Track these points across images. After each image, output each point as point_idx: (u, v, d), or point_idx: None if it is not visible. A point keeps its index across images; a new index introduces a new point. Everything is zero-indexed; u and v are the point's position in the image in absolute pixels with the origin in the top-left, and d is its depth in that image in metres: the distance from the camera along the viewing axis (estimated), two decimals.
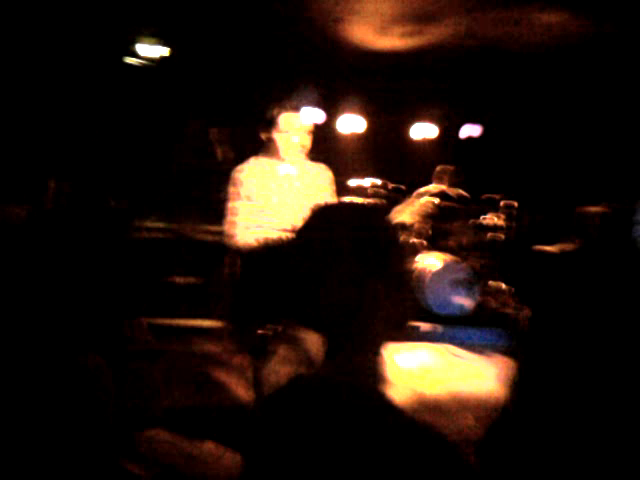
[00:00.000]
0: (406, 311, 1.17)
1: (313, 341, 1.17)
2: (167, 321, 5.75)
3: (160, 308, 5.67)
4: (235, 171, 3.37)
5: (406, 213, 5.88)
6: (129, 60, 5.80)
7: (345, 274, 1.07)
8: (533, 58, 5.48)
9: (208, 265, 5.95)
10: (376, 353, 1.13)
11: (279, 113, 3.23)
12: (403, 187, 7.44)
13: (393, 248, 1.15)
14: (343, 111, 7.11)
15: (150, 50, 5.80)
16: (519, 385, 1.00)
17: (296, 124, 3.25)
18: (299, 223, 3.65)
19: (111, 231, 5.58)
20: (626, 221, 5.41)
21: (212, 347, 5.60)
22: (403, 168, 7.57)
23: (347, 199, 3.62)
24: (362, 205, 1.23)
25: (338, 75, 5.55)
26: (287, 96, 3.34)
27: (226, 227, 3.36)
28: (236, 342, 5.73)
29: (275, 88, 4.35)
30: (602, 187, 7.52)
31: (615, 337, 0.87)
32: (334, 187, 3.54)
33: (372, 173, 6.76)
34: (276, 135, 3.25)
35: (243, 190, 3.30)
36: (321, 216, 1.16)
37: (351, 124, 7.30)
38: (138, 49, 5.89)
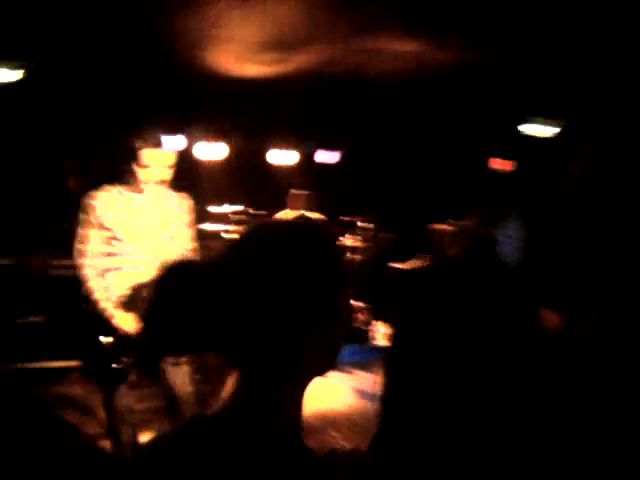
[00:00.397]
0: (338, 351, 1.10)
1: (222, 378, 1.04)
2: (21, 364, 5.33)
3: (11, 350, 5.25)
4: (87, 197, 3.25)
5: None
6: None
7: (285, 309, 0.97)
8: (389, 87, 5.71)
9: (60, 301, 5.59)
10: (298, 394, 1.04)
11: (141, 148, 3.17)
12: (264, 212, 7.43)
13: (342, 284, 1.06)
14: (206, 138, 6.96)
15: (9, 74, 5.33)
16: (384, 398, 0.97)
17: (157, 159, 3.20)
18: (156, 253, 3.57)
19: None
20: (482, 239, 5.77)
21: (67, 388, 5.29)
22: (265, 194, 7.57)
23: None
24: (311, 227, 1.09)
25: (201, 102, 5.44)
26: (148, 126, 3.22)
27: (76, 256, 3.24)
28: (92, 379, 5.45)
29: (136, 116, 4.17)
30: (449, 207, 7.99)
31: (473, 349, 0.88)
32: (193, 215, 3.51)
33: (234, 199, 6.68)
34: (137, 169, 3.20)
35: (95, 217, 3.20)
36: (261, 237, 1.03)
37: (214, 151, 7.17)
38: None
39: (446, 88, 5.86)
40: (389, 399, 0.97)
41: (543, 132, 7.84)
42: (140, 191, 3.28)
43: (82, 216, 3.23)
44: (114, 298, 3.23)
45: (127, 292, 3.25)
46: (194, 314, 0.95)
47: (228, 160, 7.44)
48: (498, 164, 8.51)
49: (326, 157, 8.21)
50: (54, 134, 5.96)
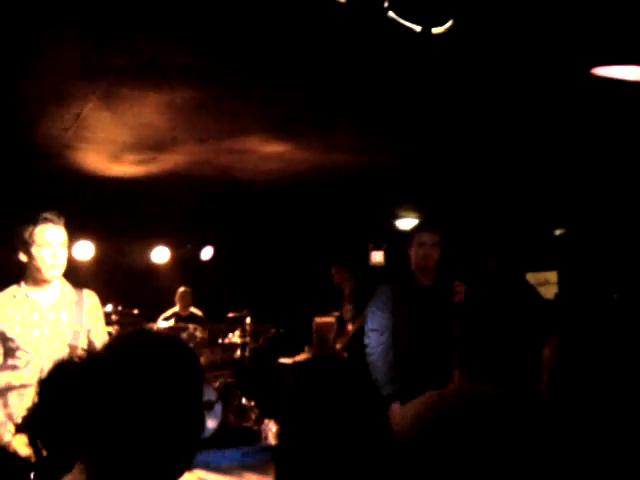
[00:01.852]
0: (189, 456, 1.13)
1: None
2: None
3: None
4: None
5: None
6: None
7: (153, 418, 1.01)
8: (262, 186, 5.92)
9: None
10: None
11: (34, 227, 2.98)
12: (136, 312, 7.32)
13: (201, 386, 1.12)
14: (78, 237, 6.86)
15: None
16: None
17: (53, 235, 3.01)
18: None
19: None
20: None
21: None
22: (147, 292, 7.47)
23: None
24: (171, 339, 1.17)
25: (72, 201, 5.40)
26: (29, 217, 3.07)
27: None
28: None
29: (11, 213, 4.05)
30: (330, 299, 8.18)
31: (355, 442, 0.98)
32: (102, 315, 3.31)
33: (113, 299, 6.53)
34: (34, 250, 2.97)
35: None
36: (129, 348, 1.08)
37: (86, 250, 7.06)
38: None
39: (312, 187, 6.15)
40: None
41: (410, 225, 8.36)
42: (44, 282, 3.03)
43: None
44: (17, 421, 2.84)
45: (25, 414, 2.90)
46: (72, 418, 0.97)
47: (105, 258, 7.35)
48: (373, 257, 8.90)
49: (204, 254, 8.30)
50: None
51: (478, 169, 5.70)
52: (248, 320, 7.64)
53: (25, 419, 2.76)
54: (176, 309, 7.45)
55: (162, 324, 7.16)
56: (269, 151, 4.80)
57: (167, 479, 1.06)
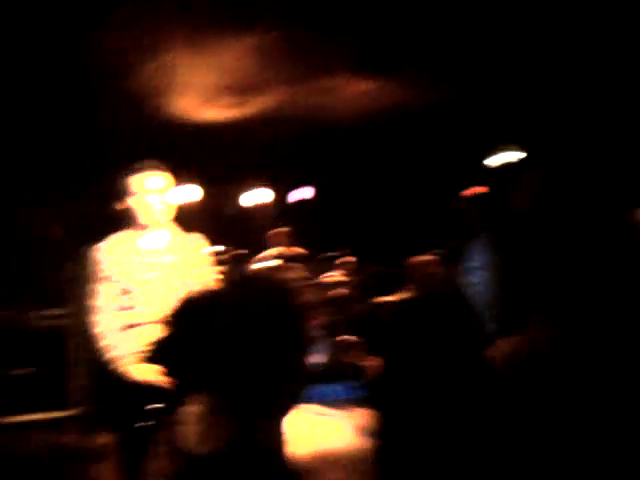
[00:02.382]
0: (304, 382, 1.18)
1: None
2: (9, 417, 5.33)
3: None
4: (92, 250, 3.06)
5: None
6: None
7: (269, 348, 1.08)
8: (352, 124, 5.84)
9: (44, 353, 5.59)
10: (279, 423, 1.13)
11: (135, 176, 3.02)
12: (245, 251, 7.53)
13: (305, 326, 1.19)
14: (182, 182, 7.09)
15: None
16: (381, 433, 1.07)
17: (150, 184, 3.04)
18: (172, 301, 3.25)
19: None
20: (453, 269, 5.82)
21: (62, 438, 5.26)
22: (243, 233, 7.64)
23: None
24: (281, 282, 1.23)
25: (169, 145, 5.54)
26: (124, 166, 3.16)
27: (87, 313, 3.03)
28: (108, 434, 5.40)
29: (108, 162, 4.20)
30: (428, 238, 8.08)
31: (457, 374, 0.98)
32: (211, 258, 3.32)
33: (213, 241, 6.73)
34: (132, 201, 3.03)
35: (102, 270, 3.00)
36: (246, 287, 1.17)
37: (189, 194, 7.30)
38: None
39: (411, 124, 6.00)
40: (385, 431, 1.07)
41: (505, 160, 8.02)
42: (145, 229, 3.07)
43: (90, 270, 3.03)
44: (132, 356, 2.97)
45: (146, 348, 2.98)
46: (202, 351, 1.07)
47: (202, 202, 7.56)
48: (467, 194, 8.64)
49: (301, 194, 8.35)
50: (31, 185, 6.03)
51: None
52: (351, 258, 7.69)
53: (148, 352, 2.92)
54: (278, 249, 7.55)
55: (264, 264, 7.33)
56: (358, 89, 4.72)
57: (280, 410, 1.16)
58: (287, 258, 7.38)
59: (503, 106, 5.49)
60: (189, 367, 1.11)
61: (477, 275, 3.51)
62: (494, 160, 8.03)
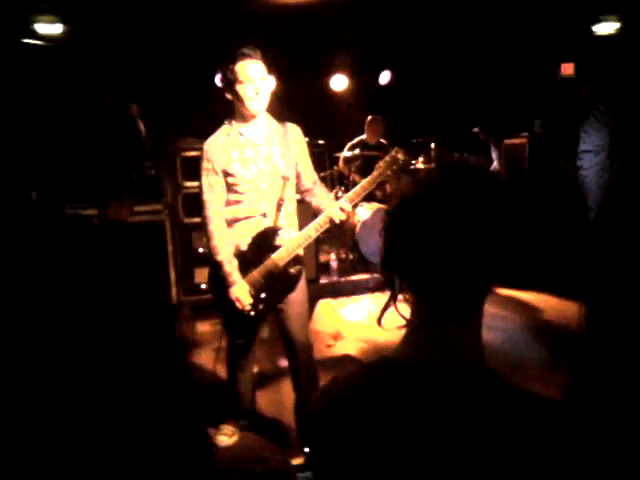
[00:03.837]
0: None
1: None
2: None
3: None
4: (205, 144, 3.11)
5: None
6: (29, 41, 5.40)
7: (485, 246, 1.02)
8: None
9: (144, 247, 5.77)
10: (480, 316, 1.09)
11: (235, 64, 2.98)
12: (322, 142, 7.43)
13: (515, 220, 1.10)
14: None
15: (51, 28, 5.42)
16: None
17: (252, 72, 2.99)
18: (281, 190, 3.28)
19: (36, 226, 5.25)
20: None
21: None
22: (322, 122, 7.52)
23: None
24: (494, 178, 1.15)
25: (253, 33, 5.38)
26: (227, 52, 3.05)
27: (203, 207, 3.11)
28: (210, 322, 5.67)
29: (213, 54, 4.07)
30: (520, 120, 7.75)
31: None
32: (307, 145, 3.36)
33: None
34: (239, 87, 2.99)
35: (216, 164, 3.06)
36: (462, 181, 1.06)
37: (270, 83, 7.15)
38: (37, 28, 5.49)
39: None
40: None
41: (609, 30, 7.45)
42: (251, 124, 3.10)
43: (203, 164, 3.09)
44: (243, 248, 3.12)
45: (252, 239, 3.12)
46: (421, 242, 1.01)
47: (283, 91, 7.42)
48: (564, 69, 8.16)
49: (382, 78, 8.08)
50: (119, 81, 6.01)
51: None
52: (432, 145, 7.50)
53: (250, 244, 3.09)
54: (363, 137, 7.43)
55: (348, 153, 7.25)
56: None
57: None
58: (372, 147, 7.27)
59: None
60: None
61: (587, 159, 3.33)
62: (601, 28, 7.50)
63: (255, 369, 3.68)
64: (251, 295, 3.09)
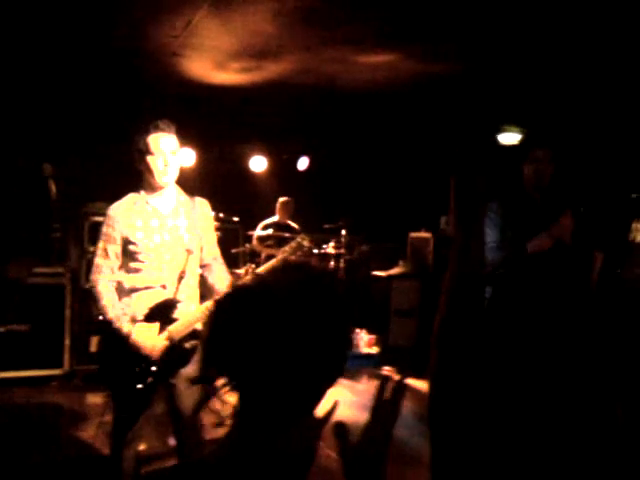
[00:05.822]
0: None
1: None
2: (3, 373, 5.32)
3: None
4: (110, 209, 3.11)
5: None
6: None
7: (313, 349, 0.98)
8: (365, 96, 5.81)
9: (41, 310, 5.56)
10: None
11: (147, 136, 3.04)
12: (236, 219, 7.49)
13: (349, 319, 1.09)
14: (181, 144, 7.01)
15: None
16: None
17: (165, 143, 3.06)
18: (184, 262, 3.25)
19: None
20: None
21: (50, 397, 5.27)
22: (238, 201, 7.59)
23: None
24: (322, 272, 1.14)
25: (175, 108, 5.48)
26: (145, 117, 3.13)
27: (92, 271, 3.08)
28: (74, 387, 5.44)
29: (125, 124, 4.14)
30: (427, 216, 8.13)
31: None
32: (213, 221, 3.43)
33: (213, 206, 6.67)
34: (149, 158, 3.04)
35: (117, 230, 3.05)
36: (289, 276, 1.04)
37: (188, 157, 7.23)
38: None
39: (418, 98, 5.98)
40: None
41: (513, 140, 8.02)
42: (159, 194, 3.13)
43: (104, 229, 3.08)
44: (139, 318, 3.06)
45: (149, 310, 3.08)
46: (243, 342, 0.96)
47: (204, 167, 7.50)
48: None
49: (301, 164, 8.32)
50: (33, 141, 5.93)
51: (589, 78, 5.37)
52: (343, 232, 7.71)
53: (147, 315, 3.04)
54: (275, 218, 7.58)
55: (260, 232, 7.34)
56: (376, 60, 4.67)
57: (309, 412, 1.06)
58: (283, 228, 7.40)
59: (514, 81, 5.47)
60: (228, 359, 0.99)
61: (494, 252, 3.52)
62: (503, 138, 8.04)
63: (142, 447, 3.55)
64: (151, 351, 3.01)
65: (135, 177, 3.21)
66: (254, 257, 7.45)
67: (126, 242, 3.07)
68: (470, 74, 5.19)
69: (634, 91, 5.54)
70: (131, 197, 3.17)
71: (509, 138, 8.02)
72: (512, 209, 3.61)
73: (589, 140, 6.43)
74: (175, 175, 3.18)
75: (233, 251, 6.94)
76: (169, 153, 3.08)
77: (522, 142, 4.15)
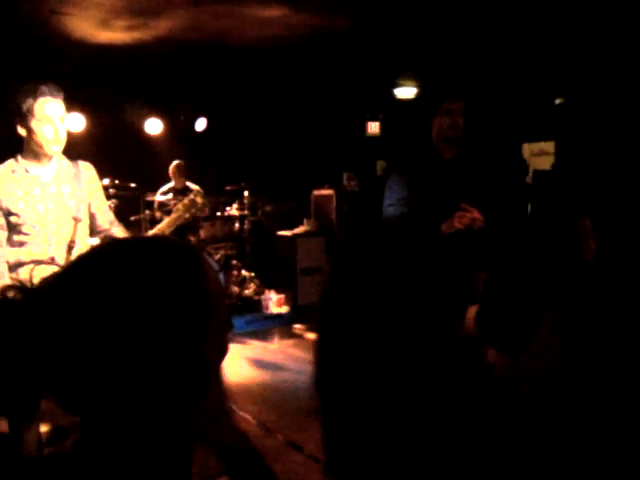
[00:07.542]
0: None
1: None
2: None
3: None
4: None
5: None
6: None
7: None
8: (258, 51, 5.70)
9: None
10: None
11: (34, 101, 2.82)
12: (133, 185, 7.24)
13: (220, 294, 0.99)
14: (69, 109, 6.65)
15: None
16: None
17: (53, 109, 2.86)
18: (72, 231, 3.05)
19: None
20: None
21: None
22: (136, 165, 7.33)
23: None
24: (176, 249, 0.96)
25: (60, 70, 5.17)
26: (31, 86, 2.85)
27: None
28: None
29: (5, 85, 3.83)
30: (329, 173, 8.16)
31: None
32: (101, 185, 3.23)
33: (108, 172, 6.40)
34: (34, 124, 2.83)
35: None
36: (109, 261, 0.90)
37: (77, 122, 6.88)
38: None
39: (313, 53, 5.93)
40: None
41: (409, 94, 8.15)
42: (44, 157, 2.93)
43: None
44: None
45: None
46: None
47: (94, 132, 7.17)
48: (369, 128, 8.80)
49: (199, 125, 8.10)
50: None
51: (476, 33, 5.48)
52: (246, 193, 7.63)
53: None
54: (172, 184, 7.40)
55: (160, 198, 7.14)
56: (267, 15, 4.56)
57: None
58: (181, 191, 7.22)
59: (407, 36, 5.50)
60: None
61: (391, 211, 3.54)
62: (401, 92, 8.14)
63: (44, 428, 3.40)
64: None
65: (11, 143, 3.00)
66: (154, 223, 7.26)
67: (7, 213, 2.88)
68: (361, 28, 5.17)
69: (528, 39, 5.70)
70: (8, 164, 2.96)
71: (405, 92, 8.16)
72: (418, 167, 3.55)
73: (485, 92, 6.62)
74: (64, 143, 3.00)
75: (132, 218, 6.70)
76: (58, 120, 2.90)
77: (422, 97, 4.14)
